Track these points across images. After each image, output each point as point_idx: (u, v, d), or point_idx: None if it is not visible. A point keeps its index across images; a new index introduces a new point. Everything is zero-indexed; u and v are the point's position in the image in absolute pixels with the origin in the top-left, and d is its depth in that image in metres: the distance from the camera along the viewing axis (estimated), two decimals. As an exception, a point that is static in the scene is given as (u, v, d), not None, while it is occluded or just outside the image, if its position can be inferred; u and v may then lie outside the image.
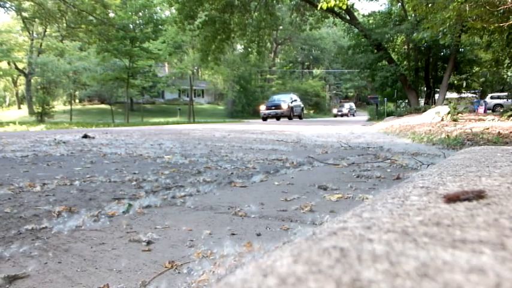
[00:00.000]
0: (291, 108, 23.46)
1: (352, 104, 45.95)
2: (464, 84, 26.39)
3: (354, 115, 42.30)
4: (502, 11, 8.89)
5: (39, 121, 23.72)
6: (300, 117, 25.56)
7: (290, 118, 23.36)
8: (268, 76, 44.23)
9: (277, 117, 23.25)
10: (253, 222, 1.37)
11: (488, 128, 5.65)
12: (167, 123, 17.16)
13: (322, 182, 2.08)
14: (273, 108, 23.36)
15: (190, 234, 1.24)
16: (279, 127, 9.68)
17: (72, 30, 32.84)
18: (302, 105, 26.59)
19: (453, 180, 0.88)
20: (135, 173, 2.40)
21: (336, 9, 17.28)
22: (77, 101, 42.44)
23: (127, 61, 24.40)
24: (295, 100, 24.96)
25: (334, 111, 42.34)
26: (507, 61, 16.93)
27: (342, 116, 40.01)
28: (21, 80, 40.63)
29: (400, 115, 16.43)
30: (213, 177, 2.26)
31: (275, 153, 3.57)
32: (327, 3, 11.04)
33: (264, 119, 23.27)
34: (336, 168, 2.68)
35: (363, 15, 24.72)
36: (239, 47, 36.16)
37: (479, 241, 0.43)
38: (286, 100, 23.97)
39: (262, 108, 23.90)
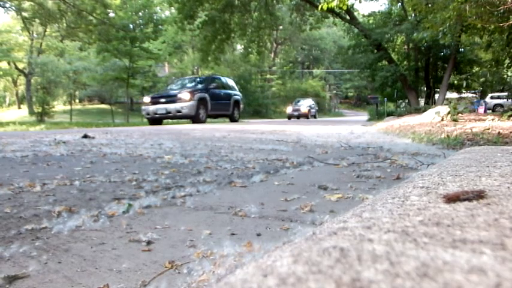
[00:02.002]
0: (201, 102, 12.89)
1: (312, 102, 31.56)
2: (464, 84, 26.41)
3: (315, 116, 29.96)
4: (502, 10, 8.89)
5: (39, 121, 23.71)
6: (231, 118, 15.10)
7: (198, 120, 12.75)
8: (268, 76, 44.25)
9: (172, 117, 12.99)
10: (253, 222, 1.37)
11: (488, 128, 5.65)
12: (167, 123, 17.16)
13: (322, 182, 2.07)
14: (163, 101, 12.81)
15: (190, 234, 1.24)
16: (279, 127, 9.68)
17: (72, 30, 32.85)
18: (238, 97, 15.53)
19: (453, 180, 0.88)
20: (135, 173, 2.40)
21: (336, 9, 17.29)
22: (77, 101, 42.46)
23: (127, 61, 24.42)
24: (211, 88, 13.78)
25: (288, 110, 28.77)
26: (507, 61, 16.93)
27: (298, 117, 27.60)
28: (21, 80, 40.64)
29: (400, 115, 16.44)
30: (213, 177, 2.26)
31: (275, 153, 3.57)
32: (328, 3, 11.05)
33: (152, 121, 13.17)
34: (336, 168, 2.68)
35: (363, 15, 24.75)
36: (239, 47, 36.17)
37: (479, 241, 0.43)
38: (191, 87, 13.66)
39: (147, 100, 13.43)
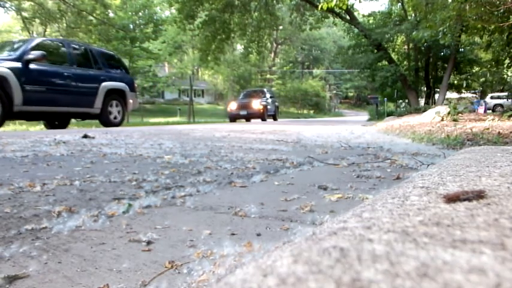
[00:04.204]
0: None
1: (269, 95, 20.33)
2: (464, 84, 26.44)
3: (275, 117, 20.00)
4: (502, 10, 8.89)
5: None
6: (101, 119, 8.96)
7: None
8: (268, 76, 44.28)
9: None
10: (253, 222, 1.37)
11: (488, 128, 5.65)
12: (167, 123, 16.96)
13: (322, 182, 2.07)
14: None
15: (190, 234, 1.24)
16: (279, 127, 9.68)
17: (72, 30, 32.83)
18: (118, 84, 9.06)
19: (453, 180, 0.88)
20: (135, 173, 2.40)
21: (336, 9, 17.30)
22: (77, 101, 42.39)
23: (127, 61, 24.45)
24: (32, 59, 7.09)
25: (232, 107, 18.46)
26: (507, 61, 16.94)
27: (248, 118, 18.28)
28: (21, 80, 40.59)
29: (400, 115, 16.45)
30: (213, 177, 2.26)
31: (275, 153, 3.57)
32: (328, 3, 11.06)
33: None
34: (336, 168, 2.68)
35: (363, 15, 24.76)
36: (239, 47, 36.18)
37: (479, 241, 0.43)
38: None
39: None
